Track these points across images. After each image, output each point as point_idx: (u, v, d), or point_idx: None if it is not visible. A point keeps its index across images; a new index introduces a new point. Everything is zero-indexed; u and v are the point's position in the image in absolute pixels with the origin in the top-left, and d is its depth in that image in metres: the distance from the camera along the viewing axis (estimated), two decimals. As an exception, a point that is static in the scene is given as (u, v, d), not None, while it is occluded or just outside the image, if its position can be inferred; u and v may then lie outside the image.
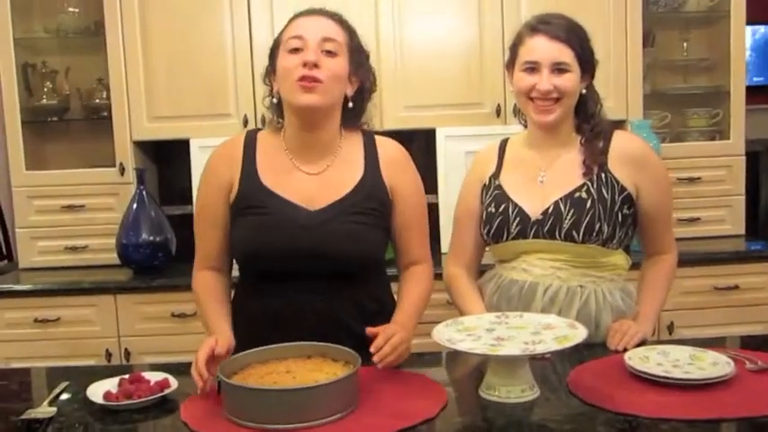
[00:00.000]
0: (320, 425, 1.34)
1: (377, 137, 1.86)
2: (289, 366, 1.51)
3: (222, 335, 1.60)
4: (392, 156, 1.84)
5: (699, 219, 3.35)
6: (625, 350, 1.73)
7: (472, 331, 1.57)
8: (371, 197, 1.78)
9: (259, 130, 1.88)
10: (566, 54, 1.83)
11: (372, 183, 1.79)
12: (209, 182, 1.82)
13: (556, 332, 1.53)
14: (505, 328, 1.59)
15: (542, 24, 1.86)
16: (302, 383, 1.40)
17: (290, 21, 1.77)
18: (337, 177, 1.78)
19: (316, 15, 1.75)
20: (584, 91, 1.89)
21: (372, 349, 1.54)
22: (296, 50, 1.69)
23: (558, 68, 1.83)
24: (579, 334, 1.49)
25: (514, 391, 1.45)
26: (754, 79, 4.01)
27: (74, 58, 3.39)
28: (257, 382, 1.44)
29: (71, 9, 3.32)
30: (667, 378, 1.48)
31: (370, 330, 1.59)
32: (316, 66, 1.67)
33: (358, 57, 1.77)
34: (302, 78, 1.67)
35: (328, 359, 1.53)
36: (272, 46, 1.79)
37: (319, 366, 1.50)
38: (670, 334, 3.05)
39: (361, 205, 1.76)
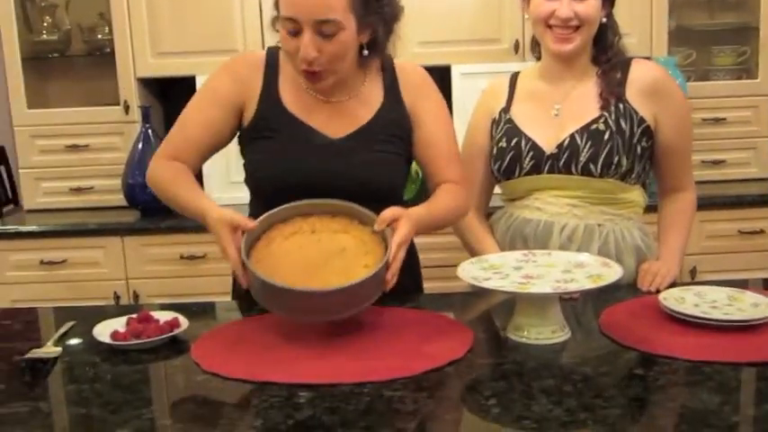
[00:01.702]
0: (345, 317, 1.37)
1: (396, 63, 1.75)
2: (314, 225, 1.45)
3: (229, 212, 1.44)
4: (412, 80, 1.73)
5: (723, 161, 3.25)
6: (657, 291, 1.66)
7: (498, 269, 1.49)
8: (393, 123, 1.69)
9: (278, 48, 1.70)
10: None
11: (393, 108, 1.70)
12: (222, 86, 1.68)
13: (588, 270, 1.45)
14: (534, 265, 1.50)
15: None
16: (328, 249, 1.39)
17: None
18: (359, 104, 1.69)
19: None
20: (604, 20, 1.78)
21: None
22: (292, 33, 1.53)
23: None
24: (614, 272, 1.40)
25: (544, 332, 1.37)
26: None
27: (73, -11, 3.26)
28: (281, 245, 1.40)
29: (70, -63, 3.18)
30: (707, 319, 1.40)
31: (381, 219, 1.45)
32: (314, 61, 1.53)
33: (365, 8, 1.56)
34: (304, 71, 1.56)
35: (355, 221, 1.47)
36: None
37: (345, 227, 1.45)
38: (692, 278, 2.96)
39: (384, 132, 1.67)
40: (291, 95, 1.68)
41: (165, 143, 1.71)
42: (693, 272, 2.99)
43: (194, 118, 1.69)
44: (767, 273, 2.99)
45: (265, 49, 1.75)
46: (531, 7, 1.78)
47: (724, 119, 3.24)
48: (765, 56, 3.21)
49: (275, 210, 1.46)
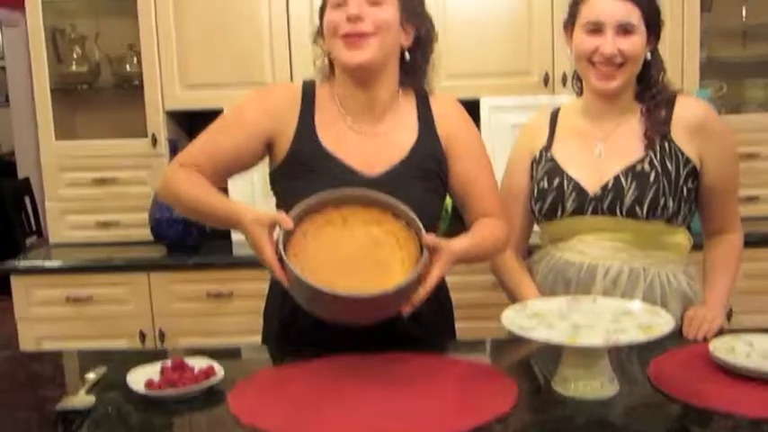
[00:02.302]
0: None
1: (430, 95, 1.73)
2: (345, 215, 1.43)
3: (264, 212, 1.43)
4: (447, 111, 1.72)
5: (757, 197, 3.18)
6: (704, 339, 1.61)
7: (543, 317, 1.44)
8: (429, 158, 1.66)
9: (313, 82, 1.72)
10: (633, 13, 1.67)
11: (429, 142, 1.67)
12: (256, 112, 1.65)
13: (637, 319, 1.39)
14: (579, 313, 1.45)
15: None
16: (359, 244, 1.39)
17: None
18: (394, 139, 1.66)
19: None
20: (648, 56, 1.73)
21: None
22: (340, 5, 1.57)
23: (624, 30, 1.67)
24: (665, 322, 1.35)
25: (593, 386, 1.32)
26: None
27: (103, 22, 3.28)
28: (315, 237, 1.40)
29: (100, -30, 3.20)
30: (761, 372, 1.34)
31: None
32: (359, 18, 1.55)
33: (410, 2, 1.63)
34: (347, 35, 1.56)
35: (387, 212, 1.44)
36: (322, 4, 1.65)
37: (377, 219, 1.43)
38: (729, 320, 2.89)
39: (418, 168, 1.64)
40: (328, 129, 1.65)
41: (184, 154, 1.66)
42: (730, 313, 2.91)
43: (221, 138, 1.65)
44: (806, 314, 2.93)
45: (301, 81, 1.73)
46: (575, 43, 1.74)
47: (757, 153, 3.17)
48: (799, 88, 3.16)
49: (307, 200, 1.42)
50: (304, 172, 1.62)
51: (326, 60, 1.68)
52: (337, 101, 1.67)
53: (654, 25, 1.72)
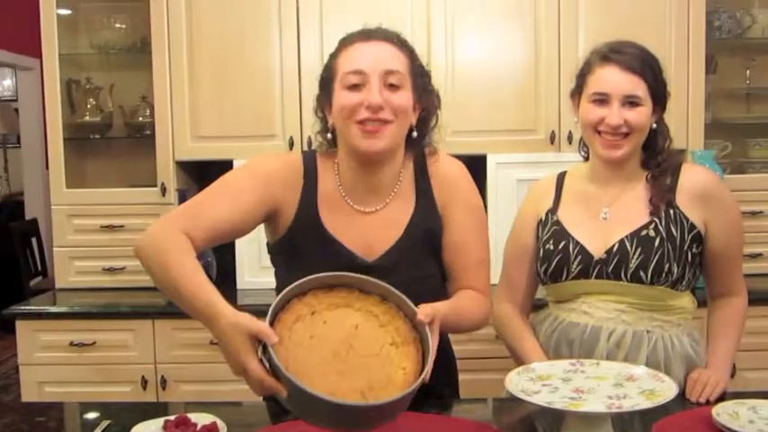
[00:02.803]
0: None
1: (429, 157, 1.68)
2: (311, 305, 1.29)
3: (247, 318, 1.25)
4: (446, 177, 1.68)
5: (761, 254, 3.19)
6: (707, 402, 1.61)
7: (547, 381, 1.44)
8: (427, 233, 1.64)
9: (314, 154, 1.68)
10: (639, 87, 1.70)
11: (426, 214, 1.64)
12: (255, 178, 1.57)
13: (640, 384, 1.40)
14: (583, 377, 1.46)
15: (615, 54, 1.73)
16: (338, 335, 1.27)
17: (345, 45, 1.59)
18: (392, 214, 1.63)
19: (374, 41, 1.56)
20: (654, 125, 1.76)
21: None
22: (355, 87, 1.52)
23: (630, 102, 1.70)
24: (668, 388, 1.36)
25: (596, 450, 1.32)
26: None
27: (118, 74, 3.34)
28: (290, 339, 1.24)
29: (118, 25, 3.26)
30: (766, 440, 1.34)
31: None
32: (381, 108, 1.51)
33: (421, 81, 1.61)
34: (365, 121, 1.51)
35: (354, 290, 1.33)
36: (325, 73, 1.62)
37: (345, 300, 1.31)
38: (732, 377, 2.87)
39: (418, 245, 1.62)
40: (329, 208, 1.61)
41: (179, 213, 1.52)
42: (733, 370, 2.89)
43: (222, 203, 1.54)
44: (809, 372, 2.91)
45: (302, 152, 1.71)
46: (581, 112, 1.77)
47: (761, 212, 3.19)
48: (802, 149, 3.19)
49: (274, 302, 1.29)
50: (303, 252, 1.59)
51: (329, 133, 1.63)
52: (338, 179, 1.63)
53: (659, 97, 1.75)
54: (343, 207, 1.63)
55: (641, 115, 1.71)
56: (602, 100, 1.72)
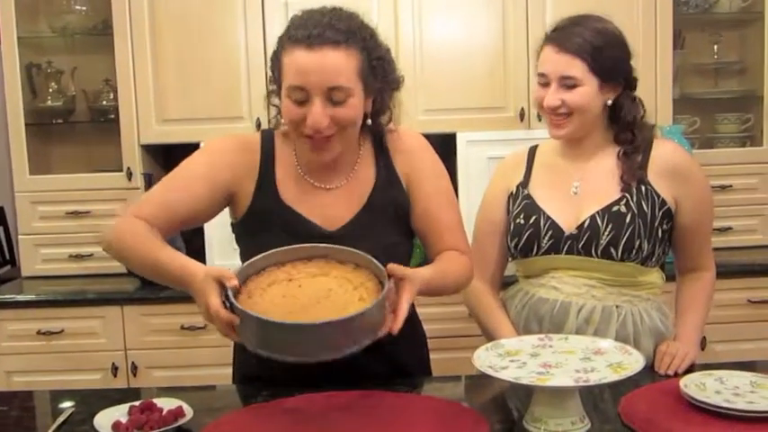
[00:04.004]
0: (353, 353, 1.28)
1: (388, 131, 1.67)
2: (289, 272, 1.38)
3: (215, 268, 1.35)
4: (405, 147, 1.68)
5: (730, 228, 3.22)
6: (675, 374, 1.62)
7: (515, 356, 1.44)
8: (390, 203, 1.64)
9: (272, 132, 1.68)
10: (574, 67, 1.68)
11: (388, 186, 1.64)
12: (210, 166, 1.60)
13: (608, 358, 1.40)
14: (551, 352, 1.45)
15: (554, 32, 1.74)
16: (312, 293, 1.31)
17: (288, 46, 1.49)
18: (354, 189, 1.64)
19: (318, 49, 1.45)
20: (609, 102, 1.74)
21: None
22: (299, 102, 1.48)
23: (566, 82, 1.69)
24: (635, 361, 1.36)
25: (564, 424, 1.32)
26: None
27: (80, 58, 3.27)
28: (262, 296, 1.32)
29: (78, 7, 3.20)
30: (731, 410, 1.34)
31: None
32: (324, 129, 1.49)
33: (374, 78, 1.55)
34: (310, 138, 1.51)
35: (332, 261, 1.39)
36: (273, 66, 1.57)
37: (323, 269, 1.38)
38: (702, 349, 2.90)
39: (382, 216, 1.63)
40: (288, 185, 1.62)
41: (140, 204, 1.58)
42: (703, 342, 2.93)
43: (179, 192, 1.58)
44: (778, 343, 2.95)
45: (260, 131, 1.70)
46: (533, 93, 1.77)
47: (730, 186, 3.22)
48: (770, 123, 3.21)
49: (247, 263, 1.38)
50: (265, 227, 1.60)
51: (283, 121, 1.60)
52: (296, 159, 1.64)
53: (606, 74, 1.71)
54: (303, 184, 1.63)
55: (578, 95, 1.69)
56: (544, 81, 1.73)
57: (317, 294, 1.34)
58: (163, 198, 1.58)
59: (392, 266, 1.37)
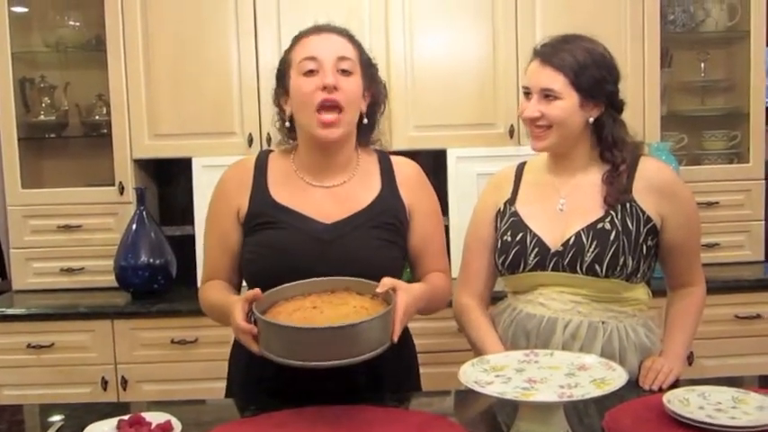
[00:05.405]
0: (358, 361, 1.38)
1: (392, 157, 1.81)
2: (314, 302, 1.50)
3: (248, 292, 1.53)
4: (409, 174, 1.80)
5: (717, 244, 3.25)
6: (660, 389, 1.64)
7: (500, 371, 1.46)
8: (389, 212, 1.72)
9: (270, 151, 1.82)
10: (555, 80, 1.72)
11: (390, 199, 1.73)
12: (219, 208, 1.76)
13: (592, 374, 1.42)
14: (536, 368, 1.47)
15: (541, 47, 1.78)
16: (332, 318, 1.42)
17: (298, 39, 1.71)
18: (354, 193, 1.72)
19: (326, 33, 1.69)
20: (591, 119, 1.76)
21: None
22: (311, 72, 1.64)
23: (546, 95, 1.73)
24: (618, 376, 1.38)
25: (549, 439, 1.34)
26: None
27: (73, 73, 3.29)
28: (286, 319, 1.44)
29: (71, 23, 3.22)
30: (714, 425, 1.36)
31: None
32: (335, 88, 1.62)
33: (369, 71, 1.73)
34: (322, 105, 1.62)
35: (353, 292, 1.53)
36: (280, 66, 1.73)
37: (344, 300, 1.50)
38: (690, 364, 2.93)
39: (378, 219, 1.70)
40: (281, 189, 1.72)
41: (203, 272, 1.81)
42: (691, 357, 2.95)
43: (211, 242, 1.78)
44: (765, 358, 2.96)
45: (255, 155, 1.81)
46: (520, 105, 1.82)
47: (717, 202, 3.25)
48: (756, 140, 3.24)
49: (277, 288, 1.52)
50: (261, 226, 1.68)
51: (288, 123, 1.74)
52: (293, 164, 1.75)
53: (588, 91, 1.73)
54: (297, 182, 1.73)
55: (556, 109, 1.72)
56: (527, 93, 1.78)
57: (336, 319, 1.43)
58: (207, 262, 1.79)
59: (386, 279, 1.51)
